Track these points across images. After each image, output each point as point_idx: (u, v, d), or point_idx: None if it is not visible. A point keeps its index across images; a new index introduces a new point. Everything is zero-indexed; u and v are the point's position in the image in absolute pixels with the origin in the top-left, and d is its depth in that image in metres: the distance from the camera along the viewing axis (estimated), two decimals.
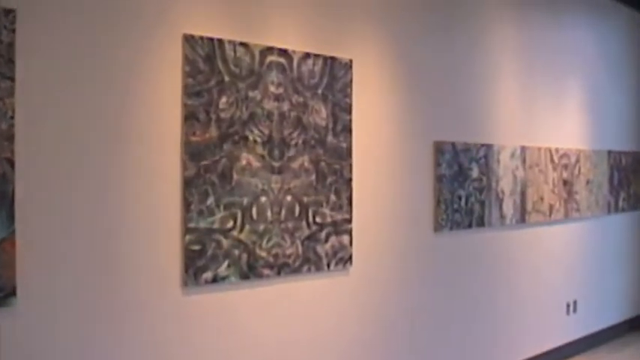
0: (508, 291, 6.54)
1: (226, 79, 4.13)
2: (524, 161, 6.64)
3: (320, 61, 4.65)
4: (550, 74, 7.14)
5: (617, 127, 8.45)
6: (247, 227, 4.23)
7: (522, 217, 6.63)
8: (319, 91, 4.63)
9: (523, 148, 6.62)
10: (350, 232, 4.82)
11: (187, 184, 3.96)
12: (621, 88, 8.50)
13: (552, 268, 7.19)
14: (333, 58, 4.73)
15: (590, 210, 7.78)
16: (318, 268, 4.62)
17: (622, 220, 8.50)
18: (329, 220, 4.69)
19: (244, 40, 4.24)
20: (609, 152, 8.18)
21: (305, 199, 4.54)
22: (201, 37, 4.03)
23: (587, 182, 7.74)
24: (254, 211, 4.26)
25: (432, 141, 5.58)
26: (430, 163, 5.56)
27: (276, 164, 4.38)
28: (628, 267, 8.66)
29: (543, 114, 7.02)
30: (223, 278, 4.12)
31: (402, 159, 5.29)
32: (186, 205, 3.95)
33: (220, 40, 4.11)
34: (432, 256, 5.60)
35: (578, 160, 7.55)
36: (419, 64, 5.46)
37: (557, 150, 7.17)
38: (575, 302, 7.55)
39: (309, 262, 4.57)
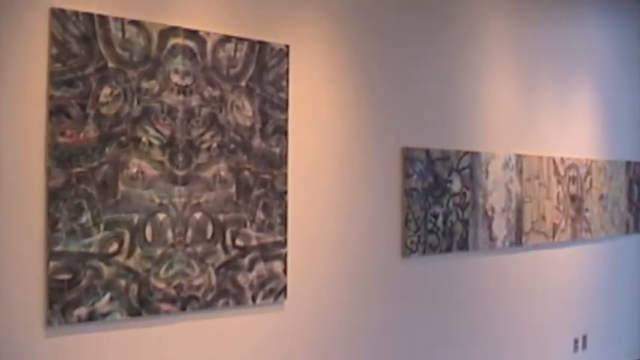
0: (500, 327, 5.66)
1: (110, 65, 3.35)
2: (520, 172, 5.77)
3: (244, 47, 3.85)
4: (554, 73, 6.28)
5: (637, 135, 7.54)
6: (138, 251, 3.43)
7: (518, 239, 5.76)
8: (242, 83, 3.83)
9: (519, 157, 5.76)
10: (284, 258, 4.00)
11: (53, 196, 3.17)
12: (638, 89, 7.60)
13: (557, 298, 6.30)
14: (262, 43, 3.93)
15: (604, 230, 6.88)
16: (240, 303, 3.81)
17: None
18: (255, 242, 3.87)
19: (137, 17, 3.45)
20: (628, 163, 7.27)
21: (221, 217, 3.73)
22: (76, 13, 3.25)
23: (601, 197, 6.84)
24: (148, 231, 3.46)
25: (399, 147, 4.75)
26: (397, 173, 4.73)
27: (179, 173, 3.57)
28: None
29: (545, 118, 6.15)
30: (104, 315, 3.33)
31: (359, 168, 4.47)
32: (52, 223, 3.17)
33: (103, 17, 3.33)
34: (399, 287, 4.76)
35: (589, 172, 6.66)
36: (385, 53, 4.64)
37: (562, 160, 6.29)
38: (584, 337, 6.65)
39: (227, 295, 3.76)
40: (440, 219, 4.99)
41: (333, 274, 4.31)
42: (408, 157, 4.77)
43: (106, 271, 3.32)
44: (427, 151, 4.91)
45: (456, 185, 5.14)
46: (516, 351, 5.83)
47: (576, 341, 6.54)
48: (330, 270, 4.29)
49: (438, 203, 4.98)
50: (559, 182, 6.24)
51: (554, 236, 6.17)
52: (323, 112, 4.25)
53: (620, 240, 7.18)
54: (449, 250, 5.07)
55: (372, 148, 4.55)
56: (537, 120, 6.04)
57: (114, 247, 3.35)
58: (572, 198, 6.42)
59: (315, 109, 4.21)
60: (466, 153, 5.23)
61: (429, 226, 4.91)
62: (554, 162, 6.17)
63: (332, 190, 4.30)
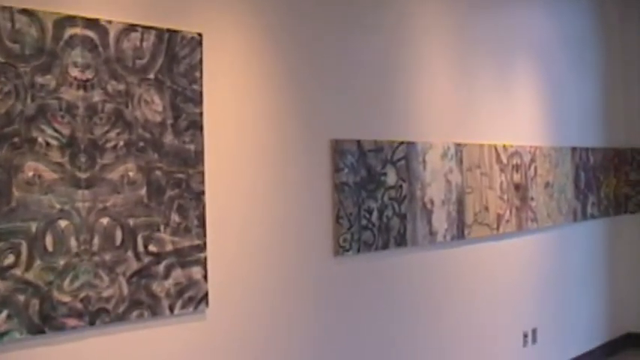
0: (445, 325, 5.55)
1: None
2: (460, 162, 5.67)
3: (151, 36, 3.66)
4: (495, 58, 6.19)
5: (583, 120, 7.51)
6: (38, 263, 3.23)
7: (460, 232, 5.65)
8: (151, 76, 3.64)
9: (459, 146, 5.65)
10: (203, 263, 3.82)
11: None
12: (586, 73, 7.57)
13: (504, 292, 6.22)
14: (172, 32, 3.74)
15: (550, 218, 6.82)
16: (156, 313, 3.62)
17: (591, 228, 7.55)
18: (170, 247, 3.69)
19: (28, 5, 3.24)
20: (573, 149, 7.23)
21: (131, 222, 3.54)
22: None
23: (546, 185, 6.79)
24: (49, 240, 3.26)
25: (327, 139, 4.60)
26: (326, 167, 4.58)
27: (82, 175, 3.38)
28: (598, 284, 7.70)
29: (486, 104, 6.06)
30: (1, 335, 3.12)
31: (284, 164, 4.30)
32: None
33: None
34: (333, 288, 4.61)
35: (533, 160, 6.60)
36: (310, 41, 4.49)
37: (505, 147, 6.21)
38: (534, 331, 6.59)
39: (141, 306, 3.57)
40: (375, 214, 4.86)
41: (259, 278, 4.14)
42: (338, 149, 4.62)
43: (2, 286, 3.12)
44: (358, 143, 4.77)
45: (391, 178, 5.00)
46: (463, 349, 5.74)
47: (526, 335, 6.48)
48: (255, 274, 4.12)
49: (372, 198, 4.84)
50: (502, 171, 6.15)
51: (498, 227, 6.08)
52: (242, 105, 4.08)
53: (567, 229, 7.14)
54: (386, 246, 4.94)
55: (298, 142, 4.39)
56: (477, 107, 5.94)
57: (10, 259, 3.14)
58: (517, 187, 6.35)
59: (233, 101, 4.03)
60: (401, 143, 5.10)
61: (363, 222, 4.77)
62: (496, 150, 6.08)
63: (255, 187, 4.13)
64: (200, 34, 3.86)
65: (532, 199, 6.56)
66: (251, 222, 4.09)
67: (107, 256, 3.44)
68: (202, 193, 3.83)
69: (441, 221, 5.43)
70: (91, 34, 3.42)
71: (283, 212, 4.28)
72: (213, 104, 3.91)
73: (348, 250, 4.66)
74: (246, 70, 4.11)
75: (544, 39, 6.88)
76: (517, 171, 6.36)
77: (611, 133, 7.98)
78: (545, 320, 6.75)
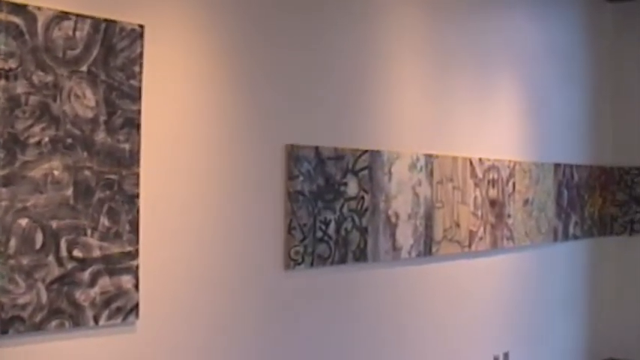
0: (408, 347, 5.39)
1: None
2: (430, 174, 5.51)
3: (86, 25, 3.50)
4: (475, 68, 6.04)
5: (568, 135, 7.36)
6: None
7: (428, 249, 5.49)
8: (83, 68, 3.48)
9: (429, 158, 5.49)
10: (135, 271, 3.65)
11: None
12: (573, 87, 7.42)
13: (475, 313, 6.05)
14: (110, 22, 3.58)
15: (529, 238, 6.66)
16: (78, 324, 3.45)
17: (572, 249, 7.39)
18: (97, 253, 3.52)
19: None
20: (557, 165, 7.08)
21: (54, 224, 3.37)
22: None
23: (526, 202, 6.63)
24: None
25: (282, 144, 4.44)
26: (279, 174, 4.41)
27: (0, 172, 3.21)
28: (579, 308, 7.54)
29: (462, 115, 5.90)
30: None
31: (231, 168, 4.14)
32: None
33: None
34: (281, 304, 4.44)
35: (512, 175, 6.44)
36: (267, 39, 4.34)
37: (481, 161, 6.05)
38: (506, 355, 6.42)
39: (61, 315, 3.40)
40: (332, 226, 4.69)
41: (197, 290, 3.97)
42: (293, 155, 4.46)
43: None
44: (316, 149, 4.61)
45: (352, 188, 4.84)
46: None
47: (496, 359, 6.31)
48: (193, 286, 3.95)
49: (330, 208, 4.68)
50: (477, 185, 6.00)
51: (470, 245, 5.92)
52: (185, 104, 3.92)
53: (547, 249, 6.99)
54: (343, 261, 4.78)
55: (248, 146, 4.23)
56: (452, 117, 5.79)
57: None
58: (492, 203, 6.19)
59: (176, 99, 3.87)
60: (365, 152, 4.94)
61: (319, 234, 4.61)
62: (470, 163, 5.93)
63: (195, 192, 3.96)
64: (141, 26, 3.70)
65: (509, 216, 6.40)
66: (190, 229, 3.93)
67: (25, 260, 3.28)
68: (136, 196, 3.67)
69: (406, 236, 5.27)
70: (17, 20, 3.27)
71: (227, 220, 4.11)
72: (152, 101, 3.75)
73: (300, 264, 4.49)
74: (192, 67, 3.95)
75: (529, 50, 6.74)
76: (493, 186, 6.21)
77: (598, 151, 7.83)
78: (518, 344, 6.58)
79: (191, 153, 3.93)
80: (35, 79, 3.32)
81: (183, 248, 3.90)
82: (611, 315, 7.99)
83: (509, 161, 6.41)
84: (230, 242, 4.12)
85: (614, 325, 8.00)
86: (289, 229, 4.44)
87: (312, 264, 4.58)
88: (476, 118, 6.06)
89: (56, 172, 3.38)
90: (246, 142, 4.21)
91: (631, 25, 8.02)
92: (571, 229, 7.29)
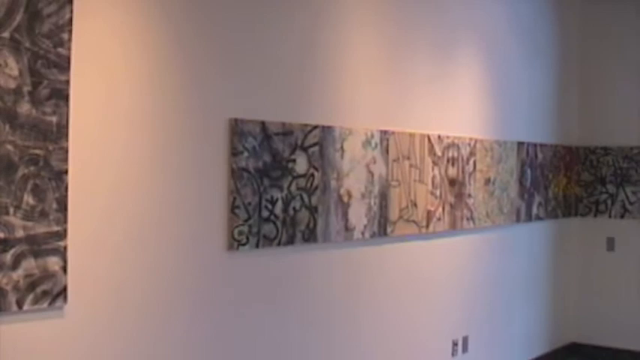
0: (362, 333, 5.29)
1: None
2: (386, 151, 5.39)
3: None
4: (435, 42, 5.92)
5: (533, 113, 7.28)
6: None
7: (382, 229, 5.39)
8: (5, 34, 3.31)
9: (384, 134, 5.38)
10: (63, 253, 3.50)
11: None
12: (538, 64, 7.34)
13: (432, 295, 5.97)
14: None
15: (490, 219, 6.58)
16: (0, 309, 3.30)
17: (536, 231, 7.34)
18: (21, 234, 3.37)
19: None
20: (520, 144, 7.00)
21: None
22: None
23: (487, 182, 6.55)
24: None
25: (225, 118, 4.30)
26: (222, 150, 4.28)
27: None
28: (542, 291, 7.50)
29: (420, 90, 5.79)
30: None
31: (168, 143, 3.99)
32: None
33: None
34: (223, 285, 4.31)
35: (473, 153, 6.35)
36: (206, 7, 4.17)
37: (440, 138, 5.94)
38: (465, 339, 6.36)
39: None
40: (279, 205, 4.57)
41: (131, 272, 3.83)
42: (238, 130, 4.32)
43: None
44: (263, 124, 4.47)
45: (301, 165, 4.72)
46: (385, 358, 5.48)
47: (455, 344, 6.25)
48: (126, 267, 3.81)
49: (277, 186, 4.56)
50: (435, 164, 5.90)
51: (428, 226, 5.83)
52: (119, 75, 3.76)
53: (509, 230, 6.92)
54: (291, 242, 4.66)
55: (188, 119, 4.08)
56: (410, 92, 5.67)
57: None
58: (452, 182, 6.10)
59: (107, 70, 3.71)
60: (315, 127, 4.81)
61: (265, 213, 4.48)
62: (429, 140, 5.82)
63: (130, 169, 3.81)
64: None
65: (469, 196, 6.31)
66: (124, 208, 3.78)
67: None
68: (64, 172, 3.51)
69: (359, 216, 5.16)
70: None
71: (164, 198, 3.97)
72: (82, 72, 3.59)
73: (244, 244, 4.37)
74: (127, 35, 3.79)
75: (492, 25, 6.63)
76: (453, 165, 6.11)
77: (563, 130, 7.77)
78: (478, 328, 6.51)
79: (124, 127, 3.78)
80: None
81: (116, 228, 3.75)
82: (574, 299, 7.96)
83: (470, 139, 6.31)
84: (167, 222, 3.98)
85: (578, 309, 7.97)
86: (232, 208, 4.31)
87: (257, 245, 4.45)
88: (435, 94, 5.95)
89: None
90: (186, 116, 4.07)
91: (597, 2, 7.94)
92: (534, 210, 7.22)
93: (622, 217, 7.77)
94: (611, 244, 7.85)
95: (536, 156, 7.23)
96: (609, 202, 7.84)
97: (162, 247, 3.97)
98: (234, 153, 4.31)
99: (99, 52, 3.67)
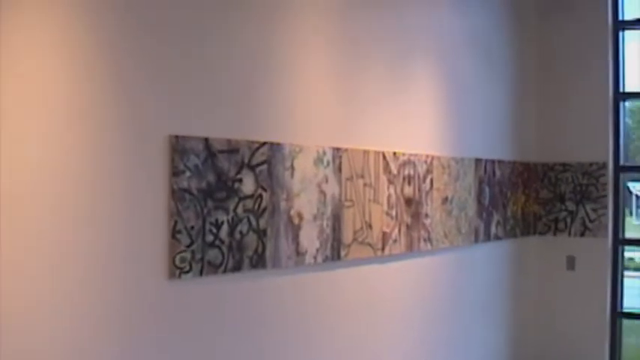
0: None
1: None
2: (339, 170, 5.09)
3: None
4: (390, 57, 5.65)
5: (490, 129, 7.04)
6: None
7: (336, 253, 5.07)
8: None
9: (337, 151, 5.07)
10: None
11: None
12: (496, 79, 7.12)
13: (389, 322, 5.66)
14: None
15: (447, 239, 6.30)
16: None
17: (494, 251, 7.08)
18: None
19: None
20: (478, 160, 6.74)
21: None
22: None
23: (445, 201, 6.27)
24: None
25: (164, 135, 3.95)
26: (161, 170, 3.93)
27: None
28: (501, 314, 7.24)
29: (375, 106, 5.50)
30: None
31: (101, 161, 3.63)
32: None
33: None
34: (163, 318, 3.96)
35: (429, 171, 6.06)
36: (145, 8, 3.83)
37: (395, 155, 5.65)
38: None
39: None
40: (224, 229, 4.23)
41: (59, 304, 3.46)
42: (178, 147, 3.98)
43: None
44: (206, 141, 4.14)
45: (248, 186, 4.39)
46: None
47: None
48: (54, 298, 3.43)
49: (222, 208, 4.22)
50: (390, 182, 5.60)
51: (383, 248, 5.53)
52: (40, 84, 3.40)
53: (467, 251, 6.65)
54: (238, 268, 4.32)
55: (122, 137, 3.73)
56: (364, 108, 5.38)
57: None
58: (408, 201, 5.81)
59: (32, 79, 3.35)
60: (263, 144, 4.49)
61: (209, 238, 4.14)
62: (384, 157, 5.53)
63: (59, 190, 3.45)
64: None
65: (426, 216, 6.02)
66: (51, 232, 3.41)
67: None
68: None
69: (311, 239, 4.84)
70: None
71: (97, 223, 3.61)
72: (2, 81, 3.22)
73: (187, 272, 4.02)
74: (53, 40, 3.43)
75: (449, 39, 6.38)
76: (409, 183, 5.82)
77: (521, 146, 7.53)
78: (436, 356, 6.21)
79: (52, 143, 3.42)
80: None
81: (42, 254, 3.38)
82: (533, 320, 7.71)
83: (427, 156, 6.03)
84: (99, 250, 3.62)
85: (537, 330, 7.72)
86: (174, 233, 3.95)
87: (201, 272, 4.10)
88: (390, 110, 5.66)
89: None
90: (120, 133, 3.71)
91: (555, 17, 7.74)
92: (493, 229, 6.96)
93: (582, 235, 7.54)
94: (571, 263, 7.62)
95: (494, 173, 6.98)
96: (569, 219, 7.61)
97: (94, 277, 3.60)
98: (175, 172, 3.96)
99: (21, 60, 3.30)
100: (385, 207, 5.55)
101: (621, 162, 7.54)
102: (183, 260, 4.00)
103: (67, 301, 3.48)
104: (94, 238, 3.59)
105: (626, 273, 7.59)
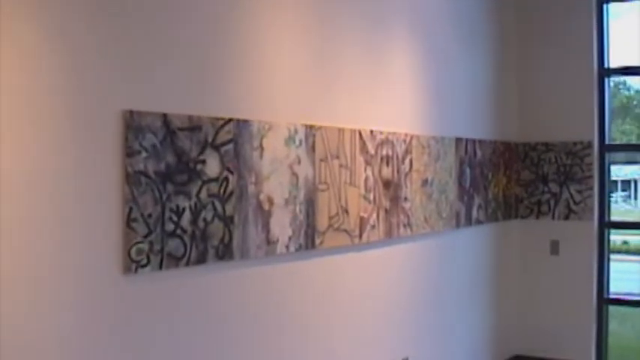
0: (289, 358, 4.55)
1: None
2: (312, 150, 4.66)
3: None
4: (366, 27, 5.26)
5: (471, 107, 6.66)
6: None
7: (310, 241, 4.65)
8: None
9: (310, 129, 4.65)
10: None
11: None
12: (477, 56, 6.77)
13: (367, 314, 5.27)
14: None
15: (428, 224, 5.91)
16: None
17: (476, 236, 6.71)
18: None
19: None
20: (458, 140, 6.34)
21: None
22: None
23: (424, 183, 5.87)
24: None
25: (117, 110, 3.49)
26: (114, 150, 3.48)
27: None
28: (484, 302, 6.88)
29: (350, 81, 5.09)
30: None
31: (43, 142, 3.18)
32: None
33: None
34: (118, 317, 3.52)
35: (408, 151, 5.66)
36: None
37: (372, 134, 5.24)
38: None
39: None
40: (186, 216, 3.80)
41: (0, 303, 3.01)
42: (133, 124, 3.53)
43: None
44: (165, 117, 3.69)
45: (213, 167, 3.95)
46: None
47: None
48: None
49: (184, 193, 3.78)
50: (368, 163, 5.19)
51: (361, 235, 5.13)
52: None
53: (449, 236, 6.28)
54: (202, 260, 3.89)
55: (68, 111, 3.28)
56: (339, 83, 4.98)
57: None
58: (386, 184, 5.40)
59: None
60: (228, 121, 4.05)
61: (169, 227, 3.70)
62: (360, 136, 5.11)
63: None
64: None
65: (406, 199, 5.62)
66: None
67: None
68: None
69: (282, 226, 4.41)
70: None
71: (41, 212, 3.16)
72: None
73: (144, 266, 3.58)
74: None
75: (429, 14, 5.99)
76: (388, 164, 5.41)
77: (502, 125, 7.16)
78: (418, 347, 5.84)
79: None
80: None
81: None
82: (516, 308, 7.36)
83: (406, 135, 5.62)
84: (44, 243, 3.17)
85: (520, 319, 7.38)
86: (129, 222, 3.51)
87: (160, 266, 3.67)
88: (367, 86, 5.25)
89: None
90: (65, 108, 3.26)
91: None
92: (474, 213, 6.58)
93: (566, 218, 7.19)
94: (555, 247, 7.27)
95: (475, 153, 6.60)
96: (552, 202, 7.25)
97: (38, 272, 3.15)
98: (130, 153, 3.51)
99: None
100: (362, 190, 5.13)
101: (607, 141, 7.17)
102: (140, 252, 3.56)
103: (9, 300, 3.03)
104: (37, 229, 3.14)
105: (619, 257, 7.26)
